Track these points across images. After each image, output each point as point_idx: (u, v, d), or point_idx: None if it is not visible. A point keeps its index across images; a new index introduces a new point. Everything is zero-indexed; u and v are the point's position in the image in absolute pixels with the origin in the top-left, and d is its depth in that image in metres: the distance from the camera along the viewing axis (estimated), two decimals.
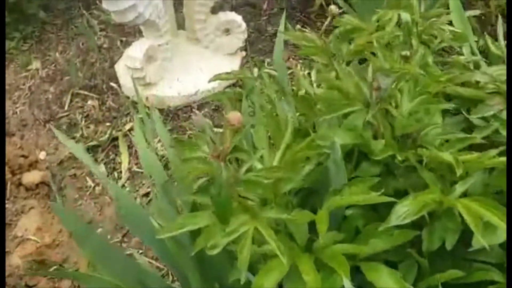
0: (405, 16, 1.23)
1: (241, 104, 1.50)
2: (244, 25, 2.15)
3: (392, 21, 1.18)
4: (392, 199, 0.77)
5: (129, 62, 2.00)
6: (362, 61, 1.23)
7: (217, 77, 1.39)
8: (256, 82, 1.49)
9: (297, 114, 1.11)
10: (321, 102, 0.97)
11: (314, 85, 1.51)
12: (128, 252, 1.62)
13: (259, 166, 0.84)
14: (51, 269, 1.61)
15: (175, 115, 2.06)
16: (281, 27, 1.28)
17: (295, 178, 0.83)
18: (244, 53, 2.28)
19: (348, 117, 0.96)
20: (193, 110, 1.13)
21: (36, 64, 2.42)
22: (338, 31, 1.09)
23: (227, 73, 1.44)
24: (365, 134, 0.96)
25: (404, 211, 0.75)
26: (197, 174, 0.79)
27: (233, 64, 2.17)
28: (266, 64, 2.24)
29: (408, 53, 0.97)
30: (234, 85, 2.14)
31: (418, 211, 0.74)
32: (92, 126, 2.08)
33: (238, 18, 2.14)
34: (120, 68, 2.15)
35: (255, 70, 1.90)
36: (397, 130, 0.90)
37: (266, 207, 0.81)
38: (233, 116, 0.69)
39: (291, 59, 2.24)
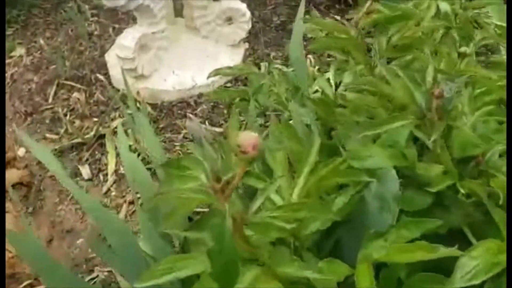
0: (444, 6, 1.03)
1: (246, 104, 1.30)
2: (248, 14, 2.00)
3: (430, 11, 0.97)
4: (458, 252, 0.57)
5: (119, 51, 1.85)
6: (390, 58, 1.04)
7: (217, 72, 1.19)
8: (263, 79, 1.29)
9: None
10: (352, 110, 0.77)
11: (333, 86, 1.31)
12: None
13: (275, 198, 0.64)
14: (23, 285, 1.42)
15: (169, 112, 1.90)
16: (300, 14, 1.07)
17: (322, 217, 0.63)
18: (247, 45, 2.09)
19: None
20: (188, 113, 0.93)
21: (20, 51, 2.24)
22: (372, 19, 0.89)
23: (229, 67, 1.24)
24: (408, 153, 0.77)
25: (472, 267, 0.55)
26: (189, 209, 0.59)
27: (235, 57, 2.00)
28: (271, 58, 2.04)
29: (467, 50, 0.77)
30: (236, 79, 1.97)
31: (491, 268, 0.54)
32: (77, 121, 1.90)
33: (242, 6, 1.99)
34: (111, 57, 2.00)
35: (262, 65, 1.71)
36: (457, 151, 0.70)
37: (283, 255, 0.61)
38: (247, 139, 0.49)
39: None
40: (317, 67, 1.91)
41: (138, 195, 1.08)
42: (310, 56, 2.01)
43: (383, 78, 0.83)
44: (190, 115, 0.83)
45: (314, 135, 0.72)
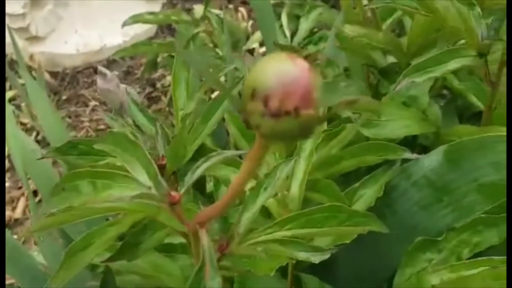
0: None
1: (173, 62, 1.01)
2: None
3: None
4: None
5: (6, 6, 1.55)
6: None
7: (136, 18, 0.89)
8: (196, 28, 1.01)
9: None
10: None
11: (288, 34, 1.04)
12: None
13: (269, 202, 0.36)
14: None
15: (72, 80, 1.60)
16: None
17: (332, 231, 0.36)
18: None
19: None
20: (99, 68, 0.65)
21: None
22: None
23: (150, 13, 0.93)
24: (431, 115, 0.51)
25: None
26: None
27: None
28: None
29: None
30: (153, 39, 1.68)
31: None
32: None
33: None
34: None
35: (196, 9, 1.42)
36: None
37: None
38: (287, 76, 0.19)
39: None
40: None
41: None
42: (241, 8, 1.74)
43: None
44: (101, 68, 0.51)
45: None
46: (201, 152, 0.46)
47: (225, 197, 0.24)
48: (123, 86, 0.61)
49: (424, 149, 0.60)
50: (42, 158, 0.44)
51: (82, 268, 0.38)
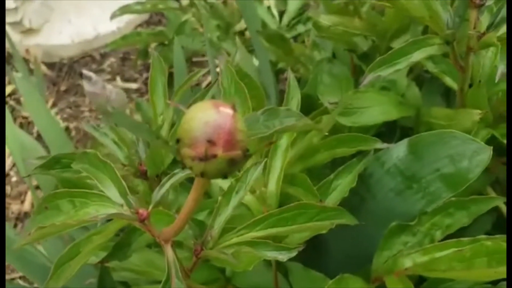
0: None
1: (166, 50, 1.02)
2: None
3: None
4: None
5: None
6: None
7: (124, 10, 0.90)
8: (185, 15, 1.01)
9: None
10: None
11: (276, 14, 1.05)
12: None
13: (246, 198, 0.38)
14: None
15: (70, 70, 1.59)
16: None
17: (303, 228, 0.38)
18: None
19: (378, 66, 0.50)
20: (84, 72, 0.65)
21: None
22: None
23: (139, 2, 0.94)
24: (410, 98, 0.53)
25: None
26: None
27: None
28: None
29: None
30: (147, 23, 1.66)
31: None
32: None
33: None
34: None
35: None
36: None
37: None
38: (211, 123, 0.21)
39: None
40: None
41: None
42: None
43: None
44: (86, 72, 0.53)
45: (291, 84, 0.46)
46: None
47: (178, 220, 0.27)
48: (109, 87, 0.63)
49: (406, 130, 0.62)
50: (28, 175, 0.46)
51: (80, 268, 0.41)
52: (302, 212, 0.37)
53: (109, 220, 0.37)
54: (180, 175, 0.30)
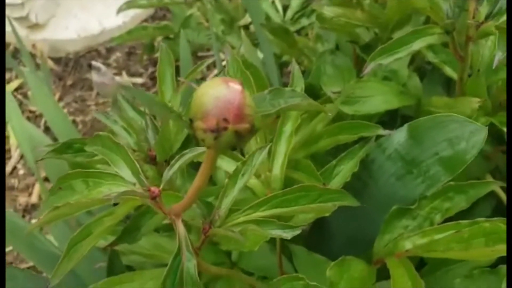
0: None
1: (172, 44, 1.03)
2: None
3: None
4: None
5: None
6: None
7: (130, 4, 0.91)
8: (190, 9, 1.02)
9: None
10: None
11: (280, 8, 1.06)
12: None
13: (251, 182, 0.39)
14: None
15: (76, 65, 1.60)
16: None
17: (305, 209, 0.39)
18: None
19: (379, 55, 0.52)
20: (93, 63, 0.66)
21: None
22: None
23: None
24: (411, 88, 0.54)
25: None
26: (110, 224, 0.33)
27: None
28: None
29: None
30: (153, 18, 1.67)
31: None
32: None
33: None
34: None
35: None
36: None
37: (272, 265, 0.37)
38: (221, 98, 0.23)
39: None
40: None
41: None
42: None
43: None
44: (95, 63, 0.54)
45: (295, 73, 0.47)
46: (191, 140, 0.49)
47: (189, 193, 0.28)
48: (117, 78, 0.64)
49: (407, 119, 0.63)
50: (41, 159, 0.47)
51: (90, 251, 0.42)
52: (305, 194, 0.39)
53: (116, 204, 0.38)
54: (189, 155, 0.31)
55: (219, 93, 0.23)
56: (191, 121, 0.24)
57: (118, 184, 0.32)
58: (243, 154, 0.46)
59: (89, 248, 0.37)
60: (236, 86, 0.23)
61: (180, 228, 0.30)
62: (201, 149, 0.31)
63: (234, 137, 0.24)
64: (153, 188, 0.30)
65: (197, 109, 0.23)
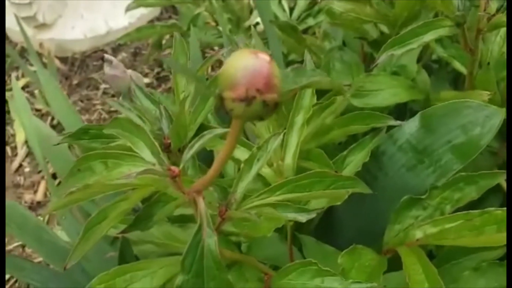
0: None
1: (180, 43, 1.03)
2: None
3: None
4: None
5: None
6: None
7: (138, 3, 0.91)
8: (198, 8, 1.03)
9: None
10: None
11: (287, 8, 1.06)
12: None
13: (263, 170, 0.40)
14: None
15: (82, 65, 1.62)
16: None
17: (319, 194, 0.40)
18: None
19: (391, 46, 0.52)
20: (106, 56, 0.67)
21: None
22: None
23: None
24: (420, 82, 0.54)
25: None
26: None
27: None
28: None
29: None
30: (158, 19, 1.68)
31: None
32: None
33: None
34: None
35: None
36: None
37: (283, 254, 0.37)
38: (250, 67, 0.24)
39: None
40: None
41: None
42: None
43: None
44: (108, 56, 0.55)
45: (308, 65, 0.47)
46: (204, 129, 0.49)
47: (214, 167, 0.29)
48: (129, 71, 0.65)
49: (416, 114, 0.64)
50: (58, 144, 0.48)
51: (101, 240, 0.43)
52: (318, 180, 0.39)
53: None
54: (209, 135, 0.32)
55: (247, 63, 0.24)
56: (219, 90, 0.24)
57: (137, 164, 0.33)
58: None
59: (105, 231, 0.37)
60: (264, 56, 0.24)
61: (201, 205, 0.30)
62: (219, 130, 0.32)
63: (262, 107, 0.24)
64: (173, 168, 0.31)
65: (225, 80, 0.24)
